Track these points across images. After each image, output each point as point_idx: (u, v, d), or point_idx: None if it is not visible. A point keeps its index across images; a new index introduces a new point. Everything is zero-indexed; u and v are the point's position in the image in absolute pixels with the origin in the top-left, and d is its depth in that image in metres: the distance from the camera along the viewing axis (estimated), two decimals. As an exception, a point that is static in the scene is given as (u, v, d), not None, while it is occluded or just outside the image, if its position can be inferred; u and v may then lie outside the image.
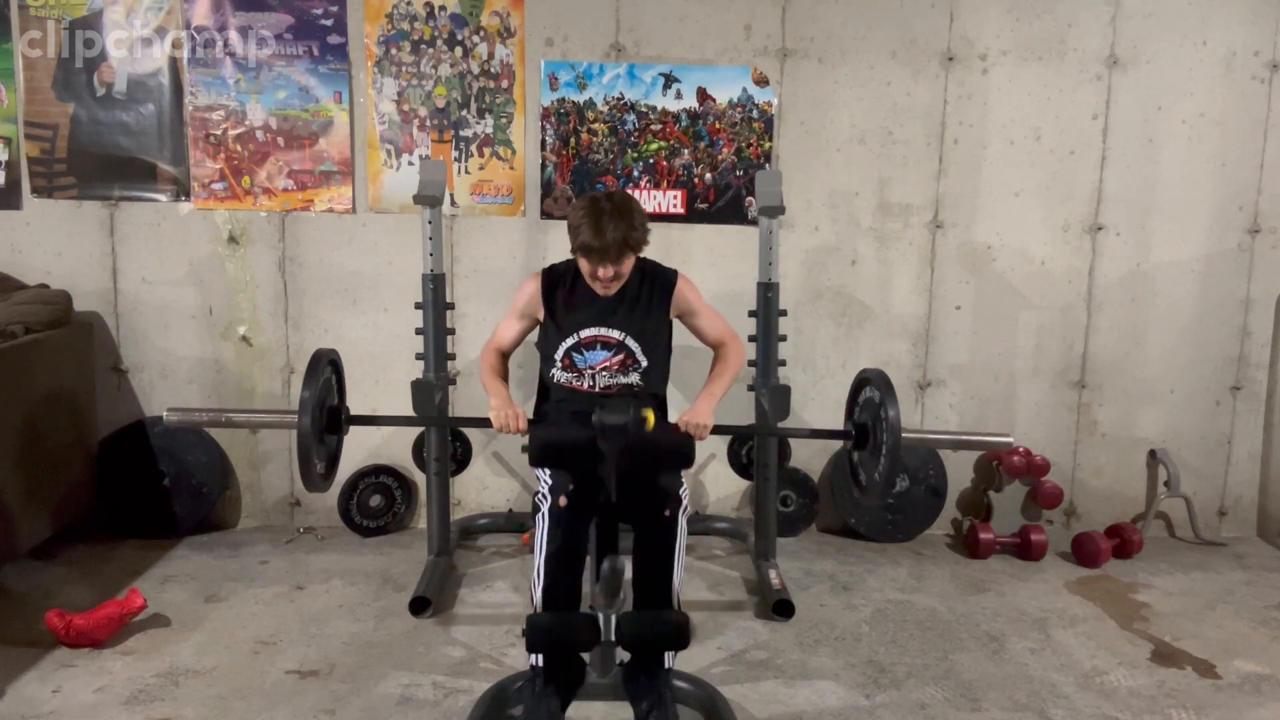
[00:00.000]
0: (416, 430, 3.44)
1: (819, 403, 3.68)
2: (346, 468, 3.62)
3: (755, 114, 3.53)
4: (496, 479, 3.70)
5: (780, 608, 2.94)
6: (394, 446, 3.64)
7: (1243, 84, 3.57)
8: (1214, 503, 3.83)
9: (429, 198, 3.04)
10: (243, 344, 3.59)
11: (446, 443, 3.29)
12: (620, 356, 2.54)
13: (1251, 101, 3.58)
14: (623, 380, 2.58)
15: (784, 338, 3.11)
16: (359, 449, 3.65)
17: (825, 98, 3.53)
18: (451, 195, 3.52)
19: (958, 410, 3.71)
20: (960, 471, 3.75)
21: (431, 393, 3.00)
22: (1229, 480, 3.81)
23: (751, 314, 3.10)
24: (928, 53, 3.52)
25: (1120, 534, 3.54)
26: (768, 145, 3.55)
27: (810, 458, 3.73)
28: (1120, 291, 3.67)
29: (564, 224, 2.63)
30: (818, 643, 2.80)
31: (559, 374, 2.59)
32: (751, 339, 3.11)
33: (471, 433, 3.61)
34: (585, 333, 2.55)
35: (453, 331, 3.35)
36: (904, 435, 2.39)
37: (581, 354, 2.55)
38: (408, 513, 3.69)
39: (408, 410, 3.12)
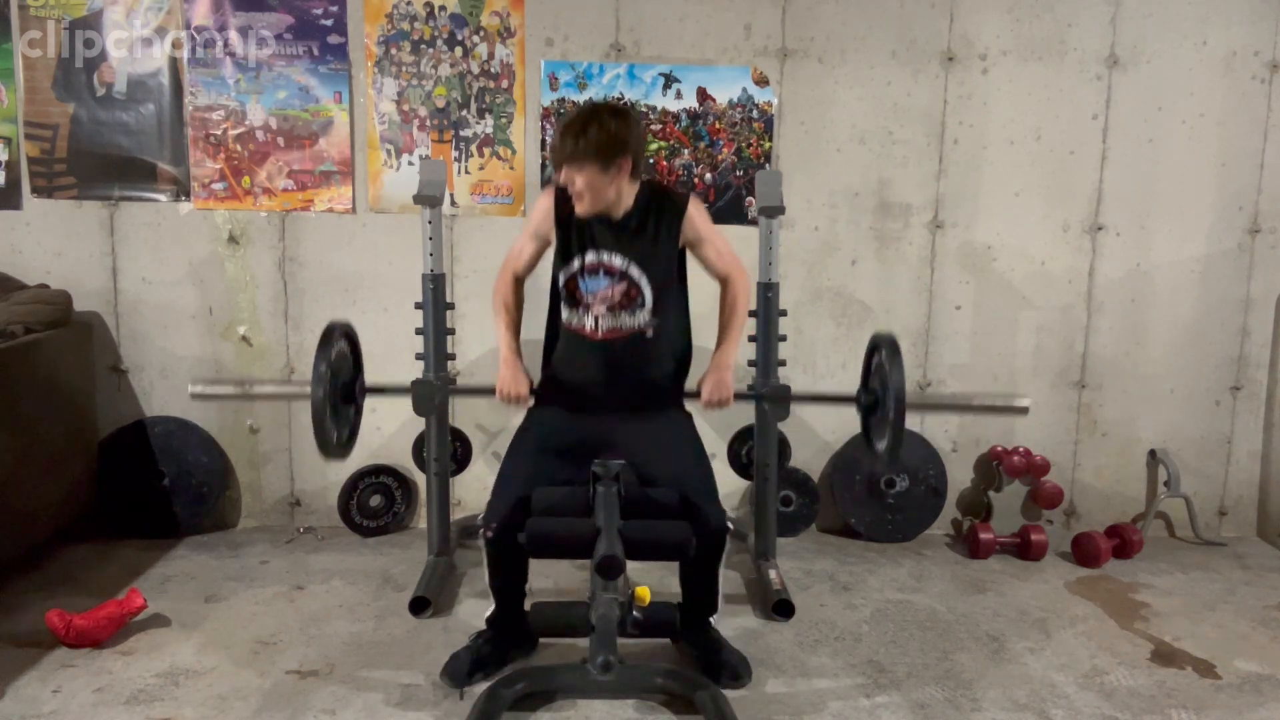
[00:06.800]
0: (417, 430, 3.44)
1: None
2: (346, 467, 3.63)
3: (755, 114, 3.53)
4: (496, 479, 3.70)
5: (780, 608, 2.93)
6: (394, 446, 3.65)
7: (1243, 84, 3.57)
8: (1214, 503, 3.83)
9: (429, 198, 3.05)
10: (243, 344, 3.59)
11: (446, 443, 3.29)
12: (622, 286, 2.44)
13: (1251, 101, 3.58)
14: (627, 322, 2.47)
15: (784, 338, 3.11)
16: (359, 448, 3.60)
17: (825, 98, 3.53)
18: (451, 195, 3.52)
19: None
20: (960, 471, 3.75)
21: (432, 393, 3.00)
22: (1229, 480, 3.81)
23: (752, 314, 3.09)
24: (928, 53, 3.52)
25: (1120, 534, 3.54)
26: (768, 145, 3.55)
27: (810, 458, 3.73)
28: (1120, 291, 3.67)
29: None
30: (818, 643, 2.80)
31: (565, 309, 2.51)
32: (751, 339, 3.11)
33: (471, 432, 3.61)
34: (589, 257, 2.45)
35: (453, 331, 3.35)
36: (912, 400, 2.41)
37: (584, 280, 2.46)
38: (408, 513, 3.69)
39: (408, 410, 3.14)
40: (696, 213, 2.51)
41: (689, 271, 2.63)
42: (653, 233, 2.47)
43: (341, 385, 2.55)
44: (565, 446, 2.51)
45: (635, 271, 2.44)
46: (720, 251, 2.55)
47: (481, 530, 2.49)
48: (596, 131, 2.30)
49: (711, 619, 2.63)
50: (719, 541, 2.45)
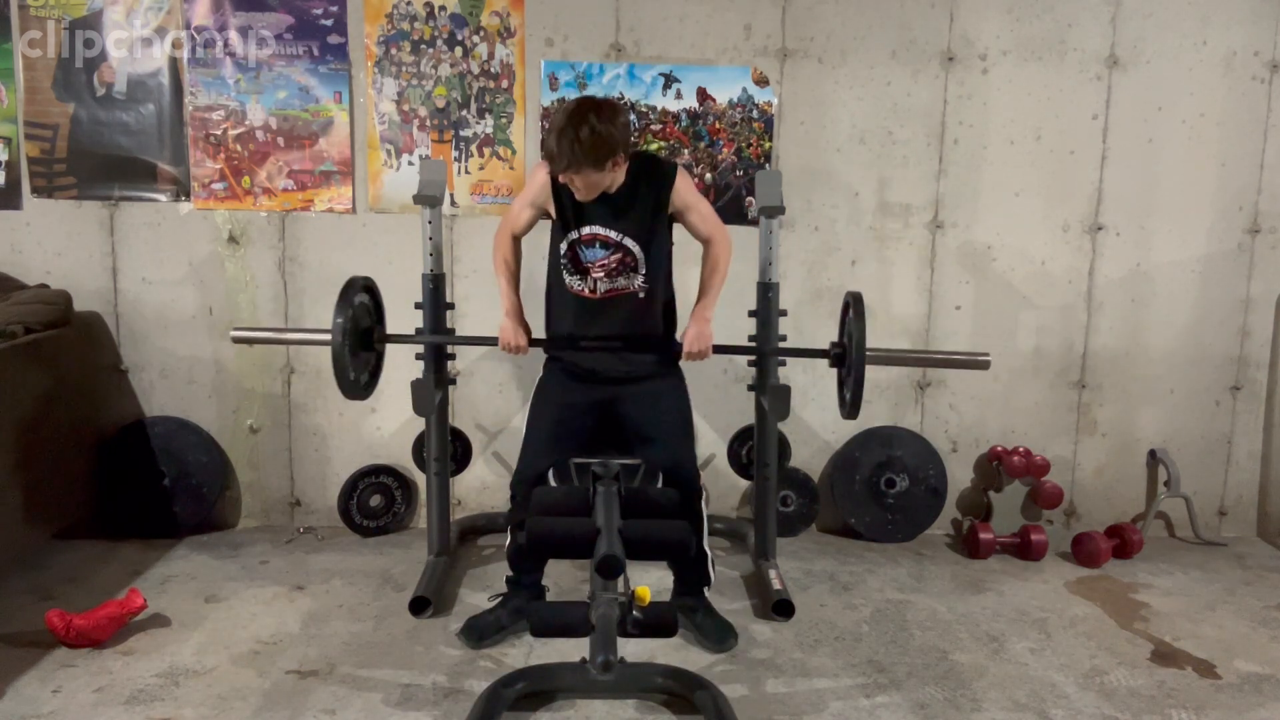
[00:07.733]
0: (417, 430, 3.44)
1: (819, 403, 3.68)
2: (346, 467, 3.63)
3: (755, 114, 3.53)
4: (496, 479, 3.70)
5: (780, 608, 2.93)
6: (394, 446, 3.65)
7: (1243, 84, 3.57)
8: (1214, 503, 3.83)
9: (429, 198, 3.05)
10: (243, 344, 3.59)
11: (446, 443, 3.29)
12: (619, 255, 2.62)
13: (1251, 101, 3.58)
14: (623, 284, 2.65)
15: (784, 338, 3.11)
16: (359, 448, 3.65)
17: (825, 98, 3.53)
18: (451, 195, 3.52)
19: (957, 410, 3.71)
20: (960, 471, 3.75)
21: (431, 392, 3.00)
22: (1229, 480, 3.81)
23: (751, 314, 3.10)
24: (928, 53, 3.52)
25: (1120, 534, 3.54)
26: (768, 145, 3.55)
27: (810, 458, 3.73)
28: (1120, 291, 3.67)
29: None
30: (818, 643, 2.80)
31: (567, 275, 2.67)
32: (751, 339, 3.11)
33: (471, 432, 3.61)
34: (585, 230, 2.61)
35: (452, 331, 3.35)
36: (874, 352, 2.67)
37: (583, 250, 2.63)
38: (408, 513, 3.69)
39: (408, 410, 3.18)
40: (683, 184, 2.69)
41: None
42: (643, 205, 2.63)
43: (361, 332, 2.79)
44: (577, 405, 2.74)
45: (629, 242, 2.62)
46: (704, 217, 2.73)
47: (512, 482, 2.79)
48: (588, 136, 2.41)
49: (706, 591, 2.84)
50: (688, 491, 2.66)
